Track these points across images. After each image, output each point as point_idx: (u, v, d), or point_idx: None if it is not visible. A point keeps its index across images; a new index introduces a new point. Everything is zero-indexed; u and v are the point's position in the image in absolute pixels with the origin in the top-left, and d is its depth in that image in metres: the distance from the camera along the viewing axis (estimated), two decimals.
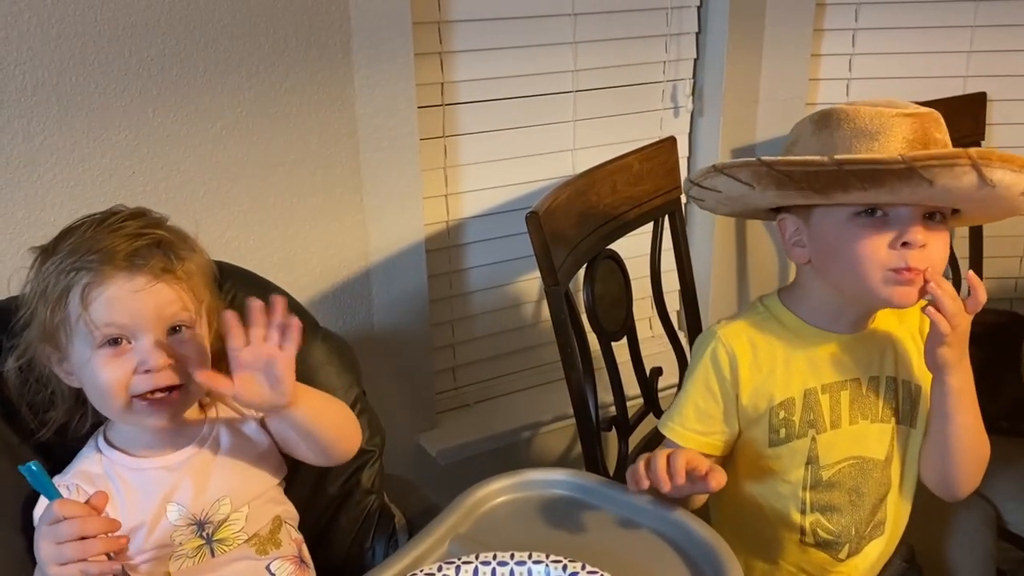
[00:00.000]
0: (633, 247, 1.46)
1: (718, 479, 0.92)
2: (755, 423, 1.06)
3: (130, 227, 0.89)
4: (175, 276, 0.89)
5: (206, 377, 0.87)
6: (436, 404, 1.65)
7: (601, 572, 0.84)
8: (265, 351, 0.86)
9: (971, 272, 1.00)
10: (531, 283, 1.69)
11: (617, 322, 1.40)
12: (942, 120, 1.01)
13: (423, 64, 1.45)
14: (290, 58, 1.31)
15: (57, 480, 0.92)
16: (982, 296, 0.99)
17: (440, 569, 0.86)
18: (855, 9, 1.75)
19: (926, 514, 1.28)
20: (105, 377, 0.87)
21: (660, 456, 0.93)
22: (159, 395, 0.88)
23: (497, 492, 1.01)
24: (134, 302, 0.86)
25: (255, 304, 0.87)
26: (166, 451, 0.94)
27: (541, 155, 1.63)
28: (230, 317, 0.86)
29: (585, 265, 1.35)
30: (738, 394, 1.06)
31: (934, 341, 0.99)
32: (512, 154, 1.61)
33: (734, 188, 1.02)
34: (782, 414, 1.05)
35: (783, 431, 1.05)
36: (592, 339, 1.34)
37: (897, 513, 1.12)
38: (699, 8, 1.70)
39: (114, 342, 0.87)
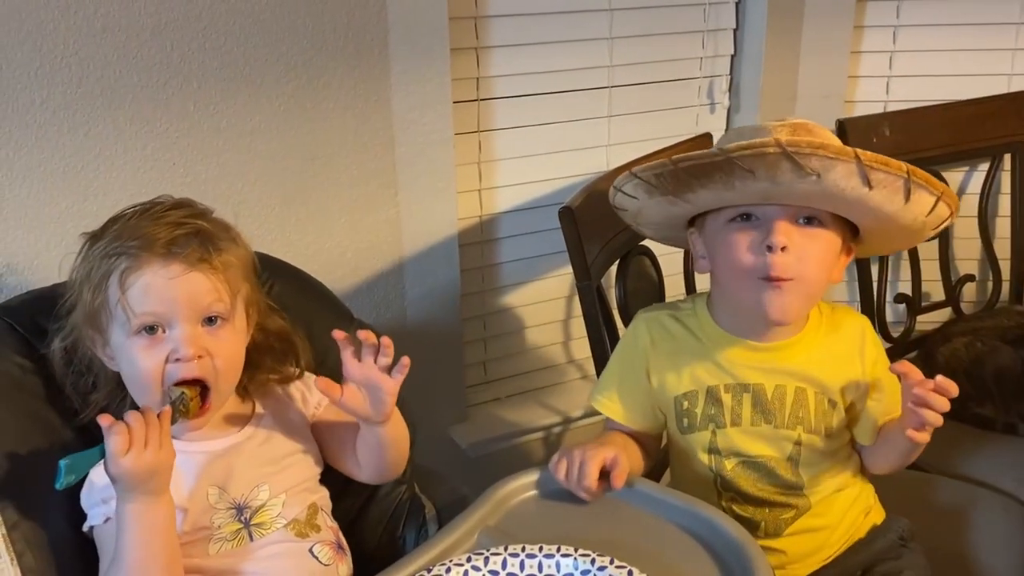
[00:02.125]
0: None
1: (621, 478, 0.98)
2: (666, 408, 1.11)
3: (173, 216, 0.91)
4: (211, 266, 0.90)
5: (324, 384, 0.93)
6: (467, 397, 1.66)
7: (630, 567, 0.84)
8: (375, 375, 0.93)
9: (940, 377, 0.94)
10: (563, 278, 1.70)
11: None
12: (822, 131, 1.02)
13: (459, 59, 1.46)
14: (328, 54, 1.32)
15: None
16: (952, 391, 0.94)
17: (469, 560, 0.87)
18: (896, 5, 1.72)
19: (955, 516, 1.27)
20: (140, 365, 0.89)
21: (575, 460, 0.98)
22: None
23: (527, 486, 1.01)
24: (168, 289, 0.88)
25: (371, 336, 0.93)
26: (210, 437, 0.96)
27: (576, 151, 1.63)
28: (340, 334, 0.93)
29: (618, 261, 1.34)
30: (648, 375, 1.11)
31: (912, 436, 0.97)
32: (546, 149, 1.61)
33: (631, 203, 1.08)
34: (685, 404, 1.09)
35: (686, 421, 1.10)
36: None
37: (828, 502, 1.10)
38: (737, 4, 1.69)
39: (150, 330, 0.89)
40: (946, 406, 0.94)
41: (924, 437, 0.96)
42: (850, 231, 1.04)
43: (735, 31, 1.71)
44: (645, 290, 1.39)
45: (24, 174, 1.17)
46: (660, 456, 1.20)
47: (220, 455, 0.96)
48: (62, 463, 0.80)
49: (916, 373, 0.95)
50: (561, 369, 1.77)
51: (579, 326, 1.71)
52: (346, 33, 1.33)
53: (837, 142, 0.96)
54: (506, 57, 1.52)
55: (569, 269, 1.27)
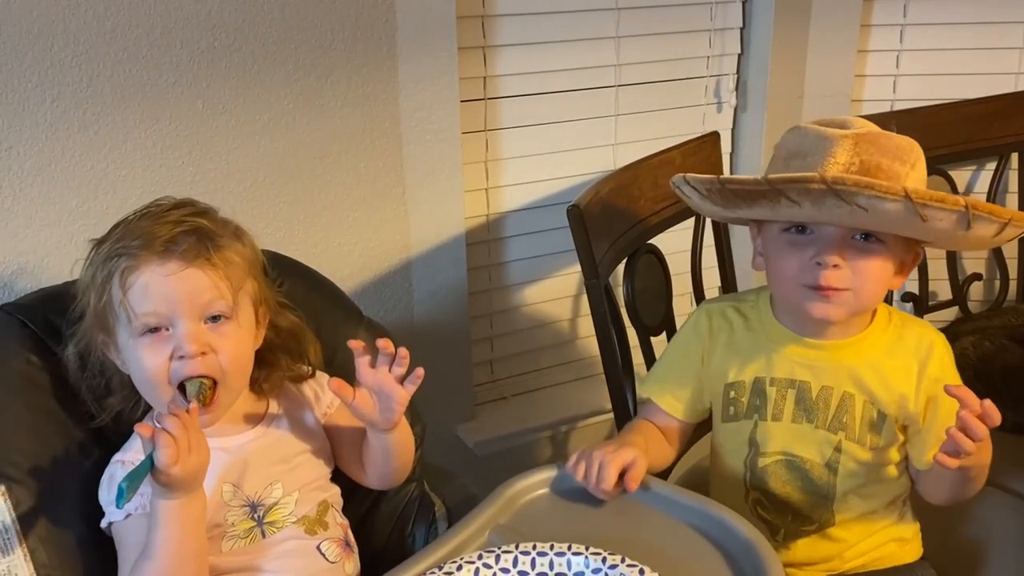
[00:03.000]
0: (674, 242, 1.45)
1: (636, 480, 0.98)
2: (715, 397, 1.12)
3: (173, 215, 0.91)
4: (210, 263, 0.89)
5: (337, 384, 0.93)
6: (474, 396, 1.66)
7: (640, 565, 0.85)
8: (388, 383, 0.93)
9: (987, 401, 0.90)
10: (571, 277, 1.70)
11: (657, 317, 1.40)
12: (888, 142, 0.98)
13: (466, 58, 1.46)
14: (336, 52, 1.32)
15: (118, 457, 0.94)
16: (996, 419, 0.90)
17: (480, 558, 0.87)
18: (903, 4, 1.72)
19: (963, 516, 1.27)
20: (146, 364, 0.89)
21: (595, 462, 0.98)
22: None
23: (537, 484, 1.01)
24: (166, 287, 0.87)
25: (389, 345, 0.93)
26: (225, 434, 0.97)
27: (583, 149, 1.63)
28: (357, 344, 0.93)
29: (625, 259, 1.35)
30: (703, 364, 1.12)
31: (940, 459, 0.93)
32: (554, 148, 1.61)
33: (687, 197, 1.07)
34: (732, 393, 1.10)
35: (732, 409, 1.10)
36: (631, 334, 1.34)
37: (853, 521, 1.08)
38: (744, 3, 1.69)
39: (153, 329, 0.89)
40: (983, 435, 0.89)
41: (951, 463, 0.91)
42: (908, 243, 1.01)
43: (742, 30, 1.71)
44: (653, 288, 1.39)
45: (35, 173, 1.18)
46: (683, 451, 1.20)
47: (235, 452, 0.96)
48: (122, 485, 0.80)
49: (974, 401, 0.89)
50: (569, 367, 1.77)
51: (587, 324, 1.71)
52: (354, 32, 1.33)
53: (899, 166, 0.93)
54: (513, 56, 1.52)
55: (576, 267, 1.27)
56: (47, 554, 0.90)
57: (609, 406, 1.32)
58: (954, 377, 1.04)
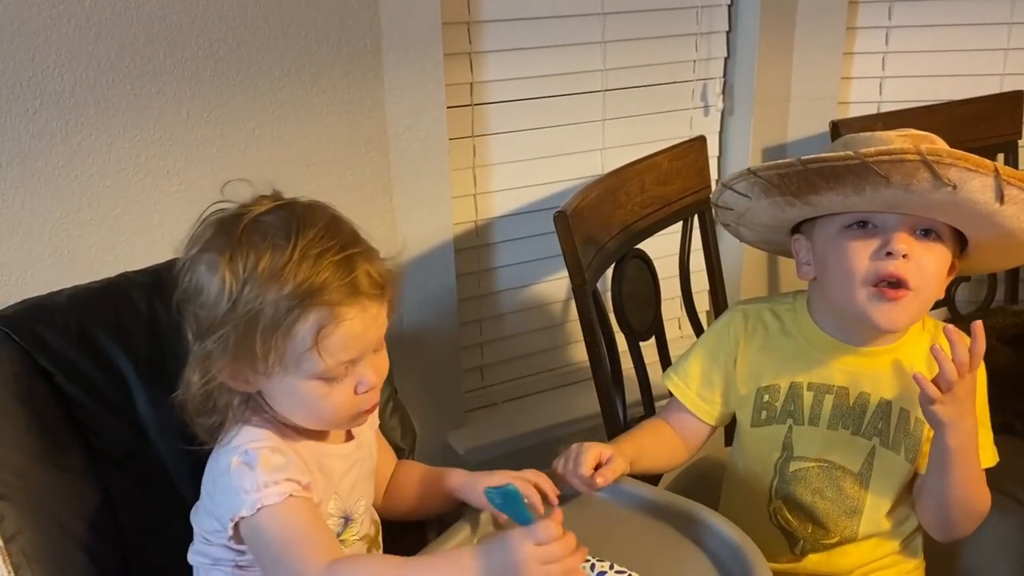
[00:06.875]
0: (662, 247, 1.46)
1: (605, 476, 0.97)
2: (743, 401, 1.11)
3: (333, 247, 0.84)
4: (387, 296, 0.87)
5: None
6: (464, 403, 1.66)
7: (630, 572, 0.84)
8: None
9: (978, 323, 0.94)
10: (559, 282, 1.70)
11: (645, 322, 1.40)
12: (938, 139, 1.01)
13: (452, 64, 1.46)
14: (321, 60, 1.32)
15: (244, 444, 0.86)
16: (980, 347, 0.94)
17: None
18: (888, 6, 1.73)
19: None
20: (334, 402, 0.86)
21: (572, 452, 0.99)
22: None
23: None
24: (366, 334, 0.85)
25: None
26: (337, 440, 0.94)
27: (570, 154, 1.63)
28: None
29: (613, 265, 1.35)
30: (736, 367, 1.11)
31: (925, 400, 0.95)
32: (541, 154, 1.61)
33: (739, 202, 1.05)
34: (766, 397, 1.09)
35: (764, 413, 1.09)
36: (620, 339, 1.34)
37: (877, 542, 1.08)
38: (730, 6, 1.69)
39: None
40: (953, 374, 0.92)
41: (926, 384, 0.92)
42: (958, 248, 1.02)
43: (728, 33, 1.71)
44: (641, 293, 1.39)
45: (18, 184, 1.17)
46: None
47: (346, 459, 0.94)
48: (511, 489, 0.81)
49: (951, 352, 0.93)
50: (559, 373, 1.77)
51: (577, 329, 1.70)
52: (339, 39, 1.32)
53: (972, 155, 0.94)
54: (500, 62, 1.52)
55: (565, 272, 1.27)
56: (32, 572, 0.89)
57: (599, 411, 1.32)
58: (982, 386, 1.04)
